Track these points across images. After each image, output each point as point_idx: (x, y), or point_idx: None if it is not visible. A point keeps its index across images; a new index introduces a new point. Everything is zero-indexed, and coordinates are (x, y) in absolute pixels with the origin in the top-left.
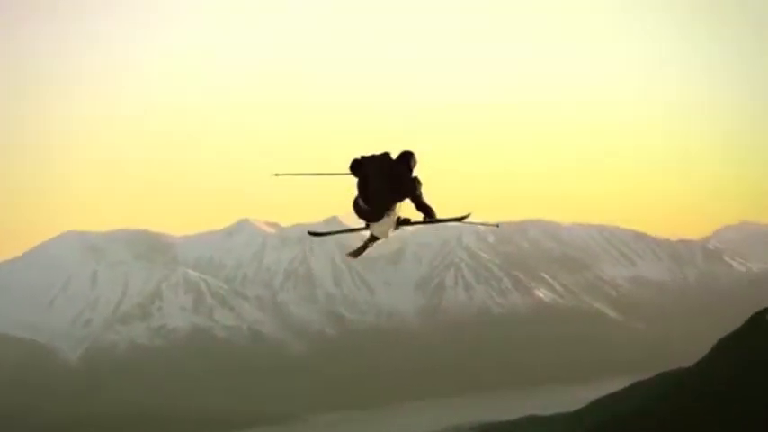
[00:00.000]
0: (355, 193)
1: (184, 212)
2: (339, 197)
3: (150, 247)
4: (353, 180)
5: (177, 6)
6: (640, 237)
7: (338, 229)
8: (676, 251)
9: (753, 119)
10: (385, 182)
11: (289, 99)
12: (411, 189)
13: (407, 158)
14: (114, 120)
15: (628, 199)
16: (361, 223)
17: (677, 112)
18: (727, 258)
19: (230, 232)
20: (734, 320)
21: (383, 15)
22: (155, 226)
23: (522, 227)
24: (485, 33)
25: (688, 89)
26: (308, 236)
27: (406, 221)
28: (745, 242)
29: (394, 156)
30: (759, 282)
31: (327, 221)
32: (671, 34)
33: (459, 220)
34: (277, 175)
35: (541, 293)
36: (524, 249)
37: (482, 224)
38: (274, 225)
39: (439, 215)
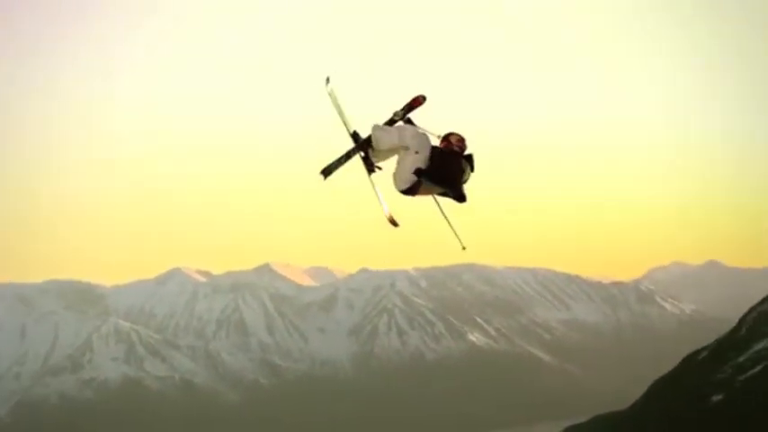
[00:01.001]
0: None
1: (115, 262)
2: (270, 244)
3: (81, 297)
4: (287, 227)
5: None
6: (573, 279)
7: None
8: (609, 293)
9: (683, 162)
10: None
11: (221, 146)
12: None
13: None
14: (41, 171)
15: (560, 242)
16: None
17: (608, 156)
18: (659, 300)
19: (161, 281)
20: (667, 362)
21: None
22: (85, 276)
23: (454, 271)
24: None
25: (615, 131)
26: (241, 283)
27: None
28: (677, 283)
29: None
30: (691, 323)
31: (259, 269)
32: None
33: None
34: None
35: (475, 338)
36: (457, 294)
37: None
38: (206, 273)
39: (375, 263)
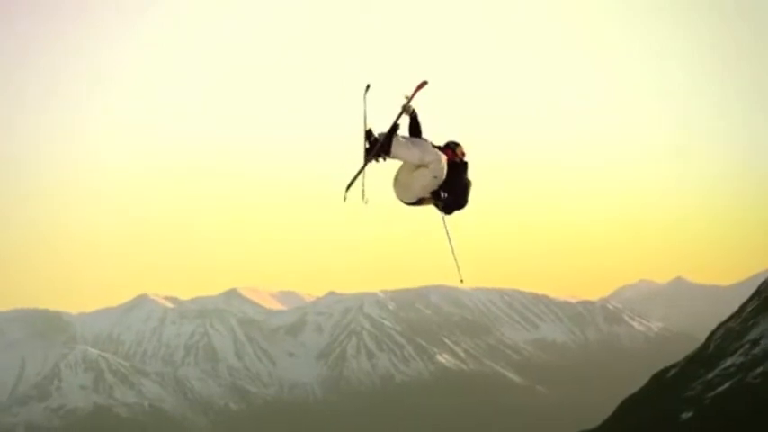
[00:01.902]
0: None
1: (82, 289)
2: (238, 269)
3: (48, 325)
4: (254, 252)
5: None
6: (541, 299)
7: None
8: (577, 312)
9: (647, 181)
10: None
11: (185, 170)
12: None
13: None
14: (5, 201)
15: (527, 261)
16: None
17: (574, 177)
18: (627, 318)
19: (129, 308)
20: (636, 380)
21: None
22: (52, 304)
23: (422, 293)
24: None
25: (579, 155)
26: (209, 309)
27: None
28: (644, 301)
29: None
30: (659, 340)
31: (227, 294)
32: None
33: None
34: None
35: (444, 359)
36: (426, 315)
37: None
38: (173, 299)
39: (343, 286)
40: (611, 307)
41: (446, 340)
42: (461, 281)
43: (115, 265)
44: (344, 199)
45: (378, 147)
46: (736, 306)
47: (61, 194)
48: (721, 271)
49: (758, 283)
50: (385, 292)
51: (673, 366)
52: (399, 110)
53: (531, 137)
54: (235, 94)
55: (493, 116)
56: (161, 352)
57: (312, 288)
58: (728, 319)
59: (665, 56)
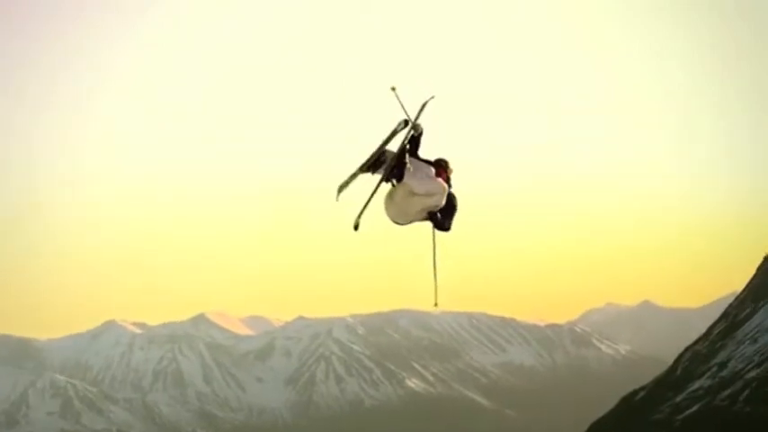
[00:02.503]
0: None
1: (49, 315)
2: (205, 293)
3: (15, 351)
4: (222, 276)
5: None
6: (509, 322)
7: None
8: (545, 336)
9: (614, 204)
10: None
11: (151, 194)
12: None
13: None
14: None
15: (495, 285)
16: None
17: (542, 200)
18: (595, 341)
19: (97, 334)
20: (604, 403)
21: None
22: (19, 330)
23: (391, 317)
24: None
25: (549, 177)
26: (177, 334)
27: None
28: (611, 324)
29: None
30: (627, 363)
31: (195, 319)
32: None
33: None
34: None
35: (413, 383)
36: (395, 340)
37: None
38: (141, 325)
39: (312, 310)
40: (578, 330)
41: (415, 364)
42: (435, 304)
43: (83, 291)
44: (356, 227)
45: (389, 173)
46: (703, 329)
47: (28, 221)
48: (688, 294)
49: (725, 305)
50: (354, 316)
51: (641, 389)
52: (406, 128)
53: (500, 163)
54: (211, 111)
55: (461, 138)
56: (129, 378)
57: (281, 313)
58: (696, 342)
59: (665, 56)
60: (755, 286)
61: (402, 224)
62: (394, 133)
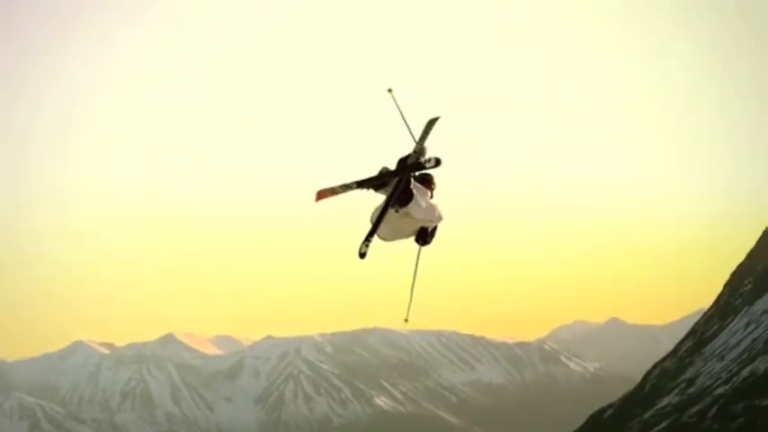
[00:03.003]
0: None
1: (17, 336)
2: (174, 313)
3: None
4: (190, 296)
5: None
6: (478, 340)
7: None
8: (514, 354)
9: (582, 222)
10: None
11: (119, 213)
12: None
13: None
14: None
15: (464, 303)
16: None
17: (510, 218)
18: (563, 359)
19: (65, 354)
20: (573, 421)
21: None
22: None
23: (359, 335)
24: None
25: (518, 195)
26: (145, 354)
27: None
28: (580, 341)
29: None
30: (595, 381)
31: (163, 339)
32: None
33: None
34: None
35: (381, 402)
36: (363, 358)
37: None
38: (109, 345)
39: (280, 330)
40: (547, 348)
41: (384, 383)
42: (406, 320)
43: (51, 312)
44: (362, 256)
45: (394, 200)
46: (671, 346)
47: None
48: (656, 311)
49: (692, 322)
50: (322, 335)
51: (609, 406)
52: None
53: (472, 181)
54: (190, 132)
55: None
56: (97, 398)
57: (249, 332)
58: (664, 359)
59: (665, 56)
60: (723, 303)
61: (388, 241)
62: (406, 162)
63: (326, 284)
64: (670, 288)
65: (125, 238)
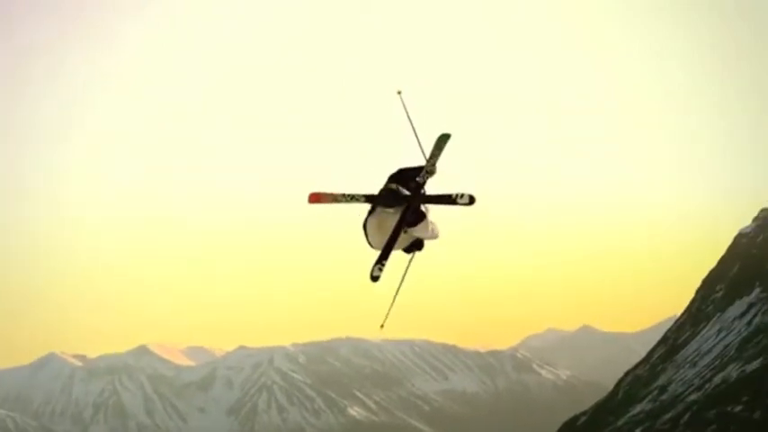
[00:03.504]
0: None
1: None
2: (146, 325)
3: None
4: (162, 307)
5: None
6: (450, 349)
7: None
8: (486, 362)
9: (553, 228)
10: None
11: (91, 222)
12: None
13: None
14: None
15: (436, 311)
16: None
17: (481, 227)
18: (536, 367)
19: (37, 366)
20: (546, 429)
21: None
22: None
23: (332, 345)
24: None
25: (487, 205)
26: (117, 366)
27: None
28: (552, 350)
29: None
30: (568, 388)
31: (136, 350)
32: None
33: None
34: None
35: (355, 412)
36: (336, 368)
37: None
38: (81, 357)
39: (253, 340)
40: (519, 356)
41: (357, 393)
42: (382, 326)
43: (22, 324)
44: (374, 279)
45: (406, 221)
46: (643, 353)
47: None
48: (628, 318)
49: (664, 329)
50: (295, 345)
51: (582, 414)
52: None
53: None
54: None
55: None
56: (70, 410)
57: (222, 343)
58: (636, 366)
59: (665, 56)
60: (695, 310)
61: (376, 249)
62: (414, 177)
63: (298, 294)
64: (642, 295)
65: (97, 249)
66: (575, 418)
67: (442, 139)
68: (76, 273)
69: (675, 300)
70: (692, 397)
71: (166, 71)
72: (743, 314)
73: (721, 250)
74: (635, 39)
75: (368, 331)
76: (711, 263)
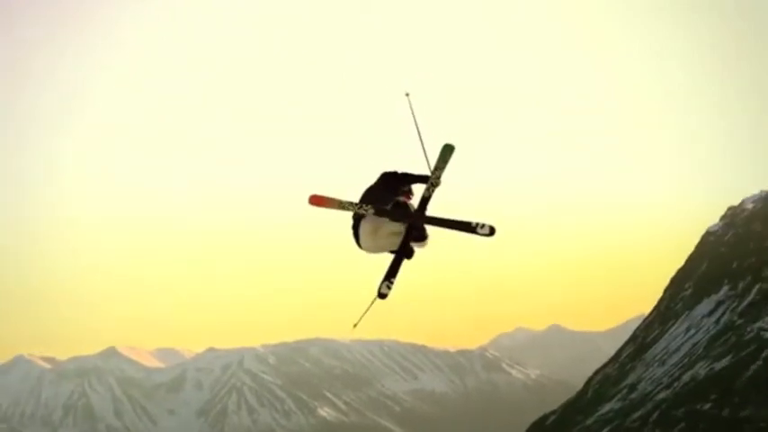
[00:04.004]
0: None
1: None
2: (115, 327)
3: None
4: (130, 309)
5: None
6: (420, 349)
7: None
8: (456, 362)
9: (522, 228)
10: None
11: (58, 225)
12: None
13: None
14: None
15: (405, 311)
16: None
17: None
18: (505, 366)
19: (5, 369)
20: (516, 428)
21: None
22: None
23: (301, 346)
24: None
25: (459, 202)
26: (87, 368)
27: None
28: (521, 348)
29: None
30: (537, 388)
31: (105, 353)
32: None
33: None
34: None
35: (325, 412)
36: (306, 369)
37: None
38: (50, 359)
39: (222, 341)
40: (489, 355)
41: (327, 393)
42: (354, 325)
43: None
44: (382, 296)
45: (411, 235)
46: (612, 352)
47: None
48: (597, 317)
49: (633, 328)
50: (265, 346)
51: (552, 413)
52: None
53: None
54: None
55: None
56: (39, 413)
57: (191, 344)
58: (605, 365)
59: (665, 56)
60: (663, 308)
61: (369, 253)
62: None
63: (268, 296)
64: (611, 294)
65: (65, 250)
66: (544, 417)
67: (447, 151)
68: (44, 274)
69: (644, 298)
70: (661, 395)
71: (165, 71)
72: (711, 312)
73: (689, 249)
74: (635, 39)
75: (337, 332)
76: (680, 261)
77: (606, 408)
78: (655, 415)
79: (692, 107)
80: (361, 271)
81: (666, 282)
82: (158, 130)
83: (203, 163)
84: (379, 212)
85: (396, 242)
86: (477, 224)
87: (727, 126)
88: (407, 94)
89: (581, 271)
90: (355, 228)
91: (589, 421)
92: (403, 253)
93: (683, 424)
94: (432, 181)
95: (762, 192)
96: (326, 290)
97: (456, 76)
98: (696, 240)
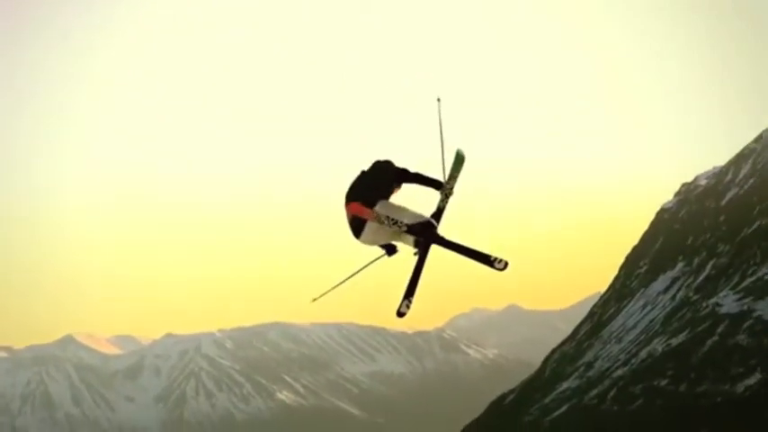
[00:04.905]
0: None
1: None
2: (72, 314)
3: None
4: (86, 297)
5: None
6: (378, 331)
7: None
8: (414, 343)
9: (480, 209)
10: None
11: (13, 214)
12: None
13: None
14: None
15: (362, 294)
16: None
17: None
18: (463, 347)
19: None
20: (475, 408)
21: None
22: None
23: (259, 330)
24: None
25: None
26: (44, 356)
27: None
28: (478, 329)
29: None
30: (495, 367)
31: (62, 340)
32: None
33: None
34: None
35: (284, 396)
36: (264, 353)
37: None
38: (7, 348)
39: (180, 327)
40: (446, 336)
41: (285, 377)
42: (314, 300)
43: None
44: (401, 315)
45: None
46: (569, 330)
47: None
48: (553, 296)
49: (589, 306)
50: (222, 331)
51: (510, 392)
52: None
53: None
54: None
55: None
56: None
57: (148, 331)
58: (563, 343)
59: (665, 56)
60: (619, 286)
61: (367, 245)
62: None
63: (225, 280)
64: (567, 273)
65: (20, 239)
66: (502, 397)
67: (460, 160)
68: (0, 263)
69: (600, 276)
70: (619, 372)
71: (165, 70)
72: (667, 289)
73: (644, 226)
74: (635, 39)
75: (295, 315)
76: (635, 239)
77: (564, 386)
78: (612, 392)
79: (642, 87)
80: (319, 255)
81: (622, 259)
82: (158, 131)
83: (172, 151)
84: (411, 231)
85: (394, 239)
86: (495, 259)
87: (677, 103)
88: (438, 100)
89: (537, 251)
90: (356, 221)
91: (547, 399)
92: (419, 270)
93: (640, 400)
94: (446, 191)
95: (715, 168)
96: (284, 274)
97: (456, 75)
98: (650, 217)
